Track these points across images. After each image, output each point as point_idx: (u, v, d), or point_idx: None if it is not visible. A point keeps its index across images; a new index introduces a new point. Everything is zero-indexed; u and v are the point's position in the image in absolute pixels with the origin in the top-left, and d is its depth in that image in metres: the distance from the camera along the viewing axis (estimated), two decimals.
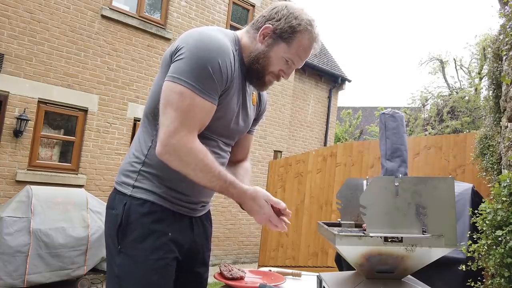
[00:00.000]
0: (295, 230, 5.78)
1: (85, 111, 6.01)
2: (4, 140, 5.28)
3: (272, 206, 1.26)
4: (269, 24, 1.29)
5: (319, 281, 1.39)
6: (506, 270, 1.89)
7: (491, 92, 3.31)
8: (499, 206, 1.99)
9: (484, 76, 12.44)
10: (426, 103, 14.68)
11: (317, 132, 10.46)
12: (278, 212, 1.28)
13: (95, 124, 6.08)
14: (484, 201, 2.18)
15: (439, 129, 12.20)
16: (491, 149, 3.38)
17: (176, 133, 1.15)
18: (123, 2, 6.50)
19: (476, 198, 3.11)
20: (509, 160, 2.52)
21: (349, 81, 11.01)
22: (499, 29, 2.94)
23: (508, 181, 2.01)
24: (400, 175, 1.15)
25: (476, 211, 2.24)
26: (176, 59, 1.20)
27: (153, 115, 1.29)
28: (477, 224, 2.18)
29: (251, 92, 1.42)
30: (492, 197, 2.24)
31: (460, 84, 15.85)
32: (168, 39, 6.84)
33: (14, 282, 4.05)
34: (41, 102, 5.63)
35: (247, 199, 1.25)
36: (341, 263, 3.10)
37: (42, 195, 4.52)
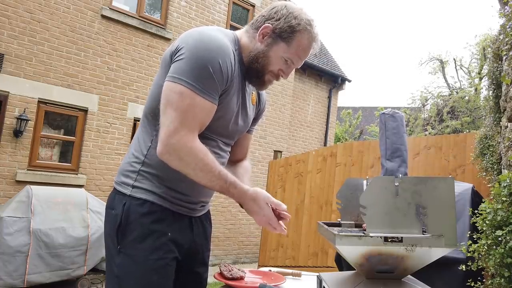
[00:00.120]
0: (295, 230, 5.78)
1: (85, 111, 6.01)
2: (4, 140, 5.28)
3: (272, 209, 1.26)
4: (269, 23, 1.29)
5: (319, 281, 1.39)
6: (506, 270, 1.89)
7: (491, 92, 3.31)
8: (499, 206, 1.99)
9: (484, 76, 12.44)
10: (426, 103, 14.69)
11: (317, 132, 10.46)
12: (278, 216, 1.28)
13: (95, 124, 6.08)
14: (484, 201, 2.18)
15: (439, 129, 12.20)
16: (491, 149, 3.38)
17: (176, 133, 1.15)
18: (123, 2, 6.50)
19: (476, 198, 3.11)
20: (509, 160, 2.52)
21: (349, 81, 11.01)
22: (499, 29, 2.94)
23: (508, 181, 2.01)
24: (400, 175, 1.15)
25: (476, 211, 2.24)
26: (176, 59, 1.20)
27: (152, 115, 1.29)
28: (477, 224, 2.18)
29: (251, 92, 1.43)
30: (492, 197, 2.24)
31: (460, 84, 15.87)
32: (168, 39, 6.84)
33: (14, 282, 4.05)
34: (41, 102, 5.63)
35: (248, 199, 1.24)
36: (341, 263, 3.10)
37: (42, 195, 4.52)
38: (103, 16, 6.13)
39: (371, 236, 1.09)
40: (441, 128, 12.12)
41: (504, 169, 2.81)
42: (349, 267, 1.39)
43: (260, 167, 8.20)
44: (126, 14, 6.38)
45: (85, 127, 6.00)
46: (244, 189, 1.24)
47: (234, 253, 7.93)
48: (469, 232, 2.60)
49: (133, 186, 1.27)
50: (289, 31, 1.27)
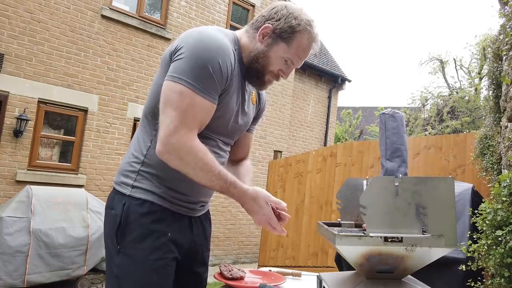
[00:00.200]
0: (295, 230, 5.78)
1: (85, 111, 6.01)
2: (4, 140, 5.28)
3: (272, 209, 1.26)
4: (269, 23, 1.29)
5: (319, 281, 1.39)
6: (506, 270, 1.89)
7: (491, 92, 3.31)
8: (499, 206, 1.99)
9: (484, 76, 12.44)
10: (426, 103, 14.69)
11: (317, 132, 10.46)
12: (278, 217, 1.27)
13: (95, 124, 6.08)
14: (484, 201, 2.18)
15: (439, 129, 12.20)
16: (491, 149, 3.38)
17: (175, 132, 1.15)
18: (123, 2, 6.50)
19: (476, 198, 3.11)
20: (509, 160, 2.52)
21: (349, 81, 11.02)
22: (499, 29, 2.94)
23: (508, 181, 2.01)
24: (400, 175, 1.15)
25: (476, 211, 2.24)
26: (176, 58, 1.20)
27: (152, 114, 1.29)
28: (477, 224, 2.18)
29: (251, 91, 1.43)
30: (492, 197, 2.24)
31: (460, 84, 15.87)
32: (168, 39, 6.84)
33: (14, 282, 4.05)
34: (41, 102, 5.63)
35: (248, 199, 1.24)
36: (341, 263, 3.10)
37: (42, 195, 4.52)
38: (103, 16, 6.13)
39: (371, 236, 1.08)
40: (441, 128, 12.12)
41: (504, 169, 2.81)
42: (349, 267, 1.39)
43: (260, 167, 8.20)
44: (126, 14, 6.38)
45: (85, 127, 6.00)
46: (244, 189, 1.24)
47: (234, 253, 7.93)
48: (469, 232, 2.60)
49: (133, 186, 1.27)
50: (289, 31, 1.27)
